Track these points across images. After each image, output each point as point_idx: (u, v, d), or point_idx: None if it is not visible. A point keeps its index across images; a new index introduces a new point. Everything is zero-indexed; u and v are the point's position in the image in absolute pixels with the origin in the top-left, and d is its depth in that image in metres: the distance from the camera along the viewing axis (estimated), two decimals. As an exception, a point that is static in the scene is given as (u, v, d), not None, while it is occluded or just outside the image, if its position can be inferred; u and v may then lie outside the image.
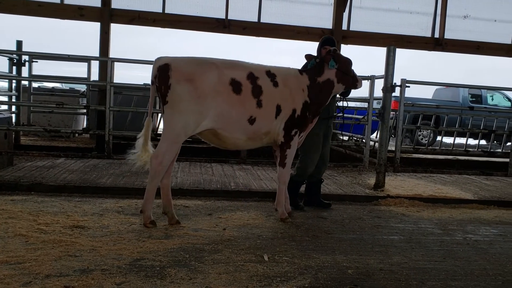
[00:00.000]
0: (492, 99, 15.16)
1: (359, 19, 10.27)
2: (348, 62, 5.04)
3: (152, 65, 4.35)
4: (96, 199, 5.38)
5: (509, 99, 15.00)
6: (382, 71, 6.78)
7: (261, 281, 3.22)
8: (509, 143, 10.17)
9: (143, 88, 9.19)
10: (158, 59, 4.31)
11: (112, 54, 9.28)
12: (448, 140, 13.50)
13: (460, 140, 12.36)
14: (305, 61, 5.16)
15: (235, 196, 5.92)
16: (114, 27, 9.44)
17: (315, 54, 5.20)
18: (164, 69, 4.22)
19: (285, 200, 5.04)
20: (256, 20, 9.82)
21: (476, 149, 10.30)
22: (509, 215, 5.85)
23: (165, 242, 3.91)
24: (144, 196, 4.39)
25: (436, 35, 10.51)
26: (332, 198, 5.93)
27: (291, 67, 4.95)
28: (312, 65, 4.97)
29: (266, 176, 7.13)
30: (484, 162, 10.29)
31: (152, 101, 4.48)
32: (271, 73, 4.60)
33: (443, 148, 10.59)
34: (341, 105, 5.71)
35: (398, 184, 7.17)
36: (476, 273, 3.67)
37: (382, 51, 6.81)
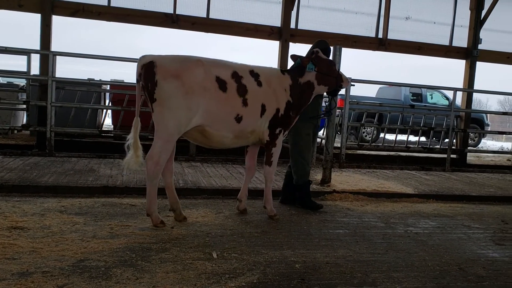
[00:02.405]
0: (432, 98, 15.92)
1: (307, 18, 10.41)
2: (329, 63, 5.11)
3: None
4: (36, 198, 5.16)
5: (447, 98, 15.80)
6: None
7: (209, 278, 3.21)
8: (446, 140, 10.71)
9: (86, 83, 8.88)
10: (143, 57, 4.28)
11: (55, 47, 8.87)
12: (390, 137, 14.05)
13: (402, 137, 12.90)
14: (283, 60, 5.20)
15: (183, 193, 5.84)
16: (57, 19, 9.04)
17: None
18: (149, 67, 4.19)
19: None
20: (205, 16, 9.73)
21: (416, 146, 10.77)
22: (446, 208, 6.17)
23: (111, 242, 3.81)
24: (147, 199, 4.37)
25: (380, 35, 10.85)
26: (280, 194, 5.99)
27: (273, 66, 5.05)
28: (298, 64, 5.03)
29: (216, 173, 7.10)
30: (424, 157, 10.76)
31: (138, 100, 4.38)
32: (255, 73, 4.66)
33: (386, 144, 11.02)
34: (329, 104, 5.76)
35: (344, 179, 7.38)
36: (416, 264, 3.84)
37: (329, 50, 6.93)
